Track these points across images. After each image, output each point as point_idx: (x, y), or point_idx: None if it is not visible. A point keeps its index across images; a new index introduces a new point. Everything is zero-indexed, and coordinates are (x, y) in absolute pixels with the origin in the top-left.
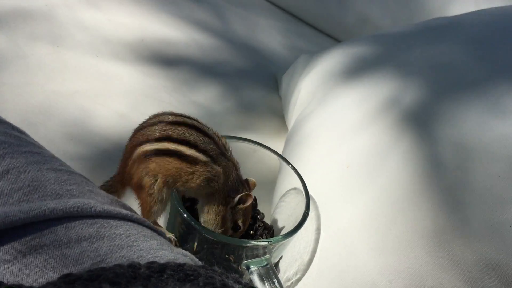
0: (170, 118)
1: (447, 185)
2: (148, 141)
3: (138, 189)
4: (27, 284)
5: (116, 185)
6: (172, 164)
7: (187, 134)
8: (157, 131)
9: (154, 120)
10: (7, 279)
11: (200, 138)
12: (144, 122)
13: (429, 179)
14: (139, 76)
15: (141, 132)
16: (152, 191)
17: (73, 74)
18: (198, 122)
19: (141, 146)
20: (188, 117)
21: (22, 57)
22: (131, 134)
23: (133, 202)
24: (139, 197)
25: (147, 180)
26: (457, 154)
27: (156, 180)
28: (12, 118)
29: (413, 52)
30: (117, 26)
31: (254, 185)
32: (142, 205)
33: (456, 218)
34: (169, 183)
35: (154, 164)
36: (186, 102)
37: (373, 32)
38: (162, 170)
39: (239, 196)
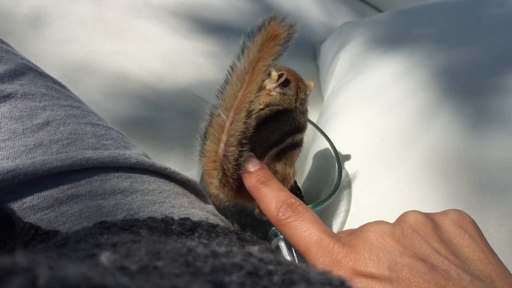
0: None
1: (483, 161)
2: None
3: None
4: (63, 231)
5: None
6: None
7: None
8: None
9: None
10: (44, 225)
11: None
12: None
13: (466, 154)
14: (177, 39)
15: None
16: None
17: (114, 33)
18: None
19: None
20: None
21: (64, 15)
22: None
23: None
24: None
25: None
26: (498, 130)
27: None
28: (53, 74)
29: (460, 22)
30: None
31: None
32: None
33: (491, 195)
34: None
35: None
36: (222, 67)
37: (415, 2)
38: None
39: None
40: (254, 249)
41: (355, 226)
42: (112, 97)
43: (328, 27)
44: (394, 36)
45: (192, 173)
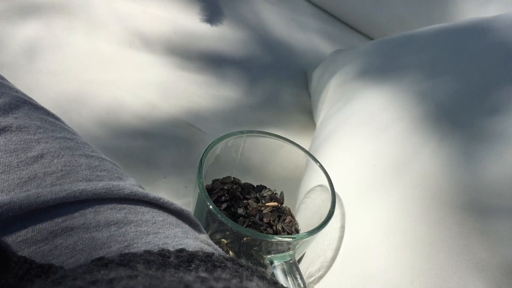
0: None
1: (474, 186)
2: None
3: None
4: (57, 265)
5: None
6: None
7: None
8: None
9: None
10: (38, 259)
11: None
12: None
13: (456, 180)
14: (170, 68)
15: None
16: None
17: (107, 64)
18: None
19: None
20: None
21: (58, 46)
22: None
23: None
24: None
25: None
26: (489, 153)
27: None
28: (47, 105)
29: (445, 51)
30: (151, 18)
31: None
32: None
33: (483, 221)
34: None
35: None
36: (215, 95)
37: (406, 30)
38: None
39: None
40: (252, 285)
41: (349, 253)
42: (105, 127)
43: (320, 53)
44: (382, 64)
45: (186, 201)
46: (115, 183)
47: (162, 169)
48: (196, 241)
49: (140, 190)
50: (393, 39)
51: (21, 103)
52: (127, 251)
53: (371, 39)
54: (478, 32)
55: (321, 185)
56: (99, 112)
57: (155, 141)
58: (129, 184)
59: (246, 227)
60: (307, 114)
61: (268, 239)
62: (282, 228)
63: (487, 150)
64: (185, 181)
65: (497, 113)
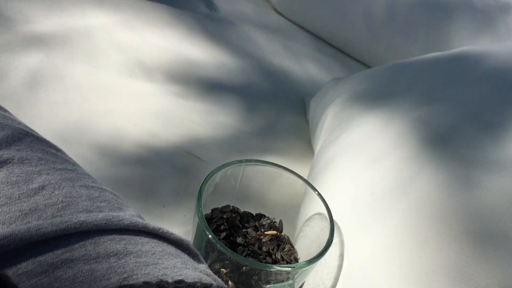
0: None
1: (472, 213)
2: None
3: None
4: None
5: None
6: None
7: None
8: None
9: None
10: None
11: None
12: None
13: (454, 206)
14: (170, 96)
15: None
16: None
17: (108, 93)
18: None
19: None
20: None
21: (60, 77)
22: None
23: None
24: None
25: None
26: (485, 180)
27: None
28: (49, 134)
29: (441, 78)
30: (151, 48)
31: None
32: None
33: (482, 248)
34: None
35: None
36: (214, 123)
37: (402, 59)
38: None
39: None
40: None
41: (349, 282)
42: (106, 156)
43: (317, 81)
44: (379, 91)
45: (185, 229)
46: (115, 213)
47: (162, 198)
48: (195, 272)
49: (140, 220)
50: (389, 67)
51: (24, 135)
52: (126, 282)
53: (369, 67)
54: (474, 60)
55: (319, 213)
56: (99, 141)
57: (155, 169)
58: (129, 214)
59: (245, 256)
60: (305, 142)
61: (268, 269)
62: (282, 257)
63: (485, 176)
64: (184, 210)
65: (494, 139)
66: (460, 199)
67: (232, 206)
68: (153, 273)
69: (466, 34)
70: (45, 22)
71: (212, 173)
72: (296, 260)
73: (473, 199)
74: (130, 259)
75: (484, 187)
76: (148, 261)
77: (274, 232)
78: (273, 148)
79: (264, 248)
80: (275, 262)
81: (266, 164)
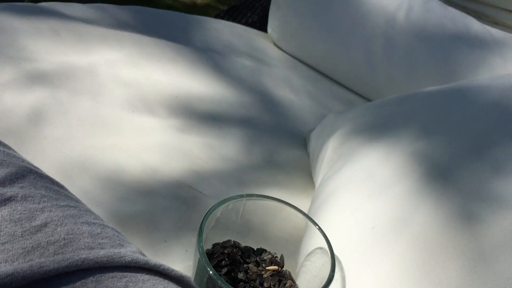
0: None
1: (472, 248)
2: None
3: None
4: None
5: None
6: None
7: None
8: None
9: None
10: None
11: None
12: None
13: (454, 241)
14: (172, 131)
15: None
16: None
17: (110, 129)
18: None
19: None
20: None
21: (63, 112)
22: None
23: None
24: None
25: None
26: (487, 213)
27: None
28: (52, 170)
29: (440, 112)
30: (153, 83)
31: None
32: None
33: (483, 284)
34: None
35: None
36: (215, 157)
37: (401, 92)
38: None
39: None
40: None
41: None
42: (108, 191)
43: (318, 115)
44: (379, 125)
45: (186, 265)
46: (116, 250)
47: (163, 233)
48: None
49: (141, 257)
50: (389, 100)
51: (27, 173)
52: None
53: (368, 100)
54: (472, 93)
55: (320, 248)
56: (101, 177)
57: (157, 204)
58: (130, 251)
59: None
60: (306, 175)
61: None
62: None
63: (485, 210)
64: (186, 244)
65: (493, 173)
66: (460, 234)
67: (233, 241)
68: None
69: (464, 68)
70: (50, 59)
71: (213, 208)
72: None
73: (473, 235)
74: None
75: (485, 222)
76: None
77: (276, 267)
78: (274, 181)
79: (265, 284)
80: None
81: (266, 199)
